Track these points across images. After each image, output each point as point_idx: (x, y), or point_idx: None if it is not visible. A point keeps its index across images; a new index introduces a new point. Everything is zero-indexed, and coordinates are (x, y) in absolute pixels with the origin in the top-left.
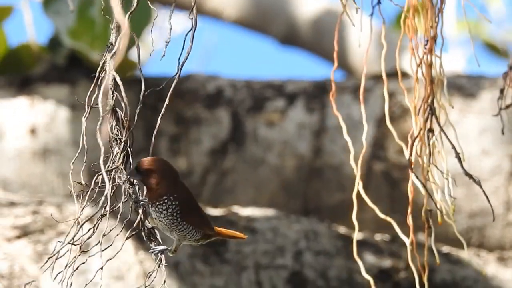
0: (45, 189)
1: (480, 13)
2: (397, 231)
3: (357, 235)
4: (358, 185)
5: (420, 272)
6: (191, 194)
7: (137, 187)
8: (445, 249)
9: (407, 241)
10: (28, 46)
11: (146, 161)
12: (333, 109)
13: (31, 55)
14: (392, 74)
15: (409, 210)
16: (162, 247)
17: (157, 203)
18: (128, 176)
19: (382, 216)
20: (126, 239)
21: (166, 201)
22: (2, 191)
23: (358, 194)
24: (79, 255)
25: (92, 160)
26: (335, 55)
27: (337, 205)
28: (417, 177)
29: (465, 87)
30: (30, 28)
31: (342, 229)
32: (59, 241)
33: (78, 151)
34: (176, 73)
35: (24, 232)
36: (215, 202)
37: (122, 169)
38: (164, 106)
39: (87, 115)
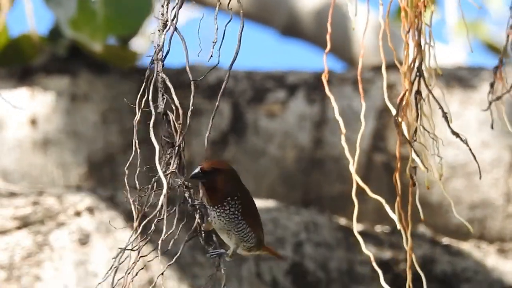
0: (45, 179)
1: (478, 12)
2: (391, 215)
3: (357, 227)
4: (357, 176)
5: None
6: (251, 196)
7: (192, 191)
8: (445, 240)
9: (387, 207)
10: (29, 36)
11: (212, 162)
12: (327, 94)
13: (32, 46)
14: (393, 66)
15: (397, 168)
16: (220, 251)
17: (222, 204)
18: (193, 177)
19: (372, 195)
20: (185, 243)
21: (230, 201)
22: (2, 182)
23: (358, 186)
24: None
25: (92, 150)
26: (328, 37)
27: (337, 196)
28: (403, 134)
29: (465, 78)
30: (31, 18)
31: (342, 221)
32: (120, 248)
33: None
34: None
35: (24, 223)
36: None
37: (176, 173)
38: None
39: (137, 119)
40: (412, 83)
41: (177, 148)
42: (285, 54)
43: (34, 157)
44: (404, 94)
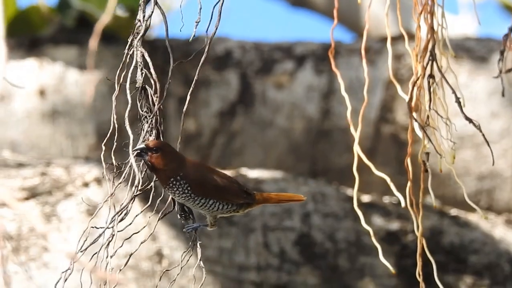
0: (53, 150)
1: None
2: (392, 189)
3: (365, 198)
4: (360, 152)
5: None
6: (205, 170)
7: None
8: (453, 212)
9: (392, 185)
10: (37, 7)
11: (153, 142)
12: (333, 68)
13: (40, 17)
14: (402, 36)
15: (409, 153)
16: (195, 225)
17: (168, 185)
18: (134, 151)
19: (377, 173)
20: (158, 220)
21: (174, 182)
22: (10, 153)
23: (367, 157)
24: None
25: (101, 121)
26: (335, 12)
27: (345, 167)
28: (415, 120)
29: (474, 49)
30: None
31: (350, 191)
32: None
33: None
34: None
35: (32, 194)
36: (224, 164)
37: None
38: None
39: (116, 93)
40: (425, 68)
41: (153, 121)
42: (294, 24)
43: (43, 128)
44: (417, 79)
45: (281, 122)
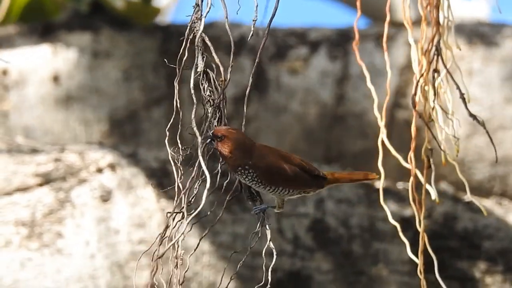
0: (67, 136)
1: None
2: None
3: (379, 184)
4: (382, 132)
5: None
6: (275, 157)
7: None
8: (467, 197)
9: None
10: None
11: (221, 129)
12: (356, 57)
13: (54, 2)
14: (416, 22)
15: (412, 148)
16: (263, 206)
17: (236, 172)
18: (203, 139)
19: (393, 152)
20: (226, 202)
21: (242, 171)
22: (24, 138)
23: (382, 142)
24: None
25: (114, 107)
26: (358, 3)
27: (359, 152)
28: (420, 116)
29: (487, 35)
30: None
31: None
32: None
33: None
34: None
35: (46, 180)
36: None
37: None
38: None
39: (178, 78)
40: (430, 62)
41: (217, 105)
42: (308, 10)
43: (56, 113)
44: (422, 74)
45: (295, 107)
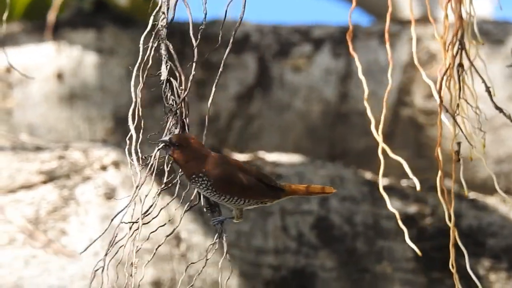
0: (71, 134)
1: None
2: (408, 171)
3: (383, 181)
4: (379, 138)
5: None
6: (230, 166)
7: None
8: (472, 195)
9: (417, 183)
10: None
11: (178, 136)
12: (361, 54)
13: (58, 0)
14: (420, 20)
15: (438, 143)
16: (221, 218)
17: (191, 180)
18: (160, 143)
19: (393, 156)
20: (184, 212)
21: (196, 178)
22: (28, 136)
23: (385, 140)
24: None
25: (118, 104)
26: None
27: (363, 150)
28: (446, 110)
29: (492, 32)
30: None
31: (368, 175)
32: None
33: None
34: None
35: (50, 177)
36: (241, 147)
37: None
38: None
39: (140, 86)
40: (454, 57)
41: (178, 114)
42: (311, 7)
43: (60, 111)
44: (447, 69)
45: (298, 105)
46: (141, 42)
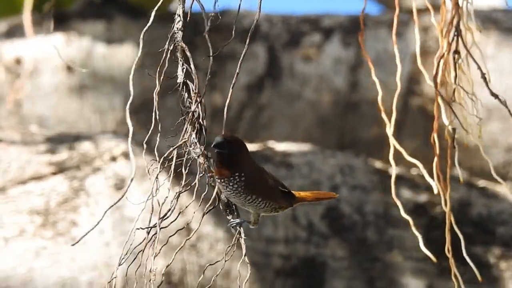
0: (81, 125)
1: None
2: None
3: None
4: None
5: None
6: (260, 170)
7: (212, 161)
8: (481, 183)
9: (425, 172)
10: None
11: (229, 135)
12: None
13: None
14: (428, 8)
15: (435, 129)
16: (239, 220)
17: (227, 178)
18: (215, 146)
19: (408, 158)
20: (204, 214)
21: (236, 177)
22: (38, 127)
23: (395, 129)
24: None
25: (128, 95)
26: None
27: (372, 139)
28: (442, 97)
29: (501, 21)
30: None
31: (378, 164)
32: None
33: None
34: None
35: (60, 168)
36: (251, 137)
37: (196, 143)
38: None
39: (157, 90)
40: (450, 43)
41: (193, 115)
42: None
43: (70, 102)
44: (442, 56)
45: (308, 94)
46: (142, 35)
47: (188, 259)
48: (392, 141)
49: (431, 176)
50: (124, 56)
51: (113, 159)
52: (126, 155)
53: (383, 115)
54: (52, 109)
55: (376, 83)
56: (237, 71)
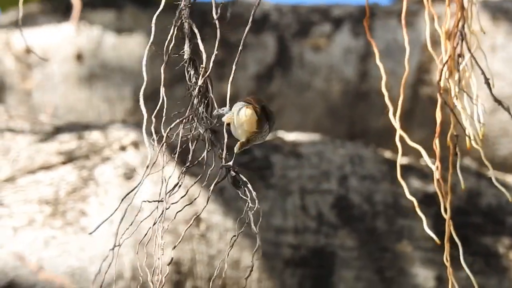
0: (91, 114)
1: None
2: (424, 155)
3: (402, 160)
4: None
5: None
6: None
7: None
8: (491, 173)
9: (433, 166)
10: None
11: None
12: (368, 33)
13: None
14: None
15: (437, 134)
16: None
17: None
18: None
19: (411, 143)
20: (211, 191)
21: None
22: (47, 117)
23: (405, 119)
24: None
25: (138, 85)
26: None
27: (382, 129)
28: (445, 102)
29: (511, 11)
30: None
31: (387, 154)
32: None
33: None
34: None
35: (69, 158)
36: None
37: (203, 118)
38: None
39: (164, 65)
40: (454, 48)
41: (200, 90)
42: None
43: (80, 91)
44: (447, 61)
45: (318, 84)
46: (153, 21)
47: (197, 249)
48: (394, 124)
49: (441, 165)
50: (134, 45)
51: (123, 148)
52: (135, 144)
53: (387, 100)
54: (62, 99)
55: (380, 67)
56: (235, 62)
